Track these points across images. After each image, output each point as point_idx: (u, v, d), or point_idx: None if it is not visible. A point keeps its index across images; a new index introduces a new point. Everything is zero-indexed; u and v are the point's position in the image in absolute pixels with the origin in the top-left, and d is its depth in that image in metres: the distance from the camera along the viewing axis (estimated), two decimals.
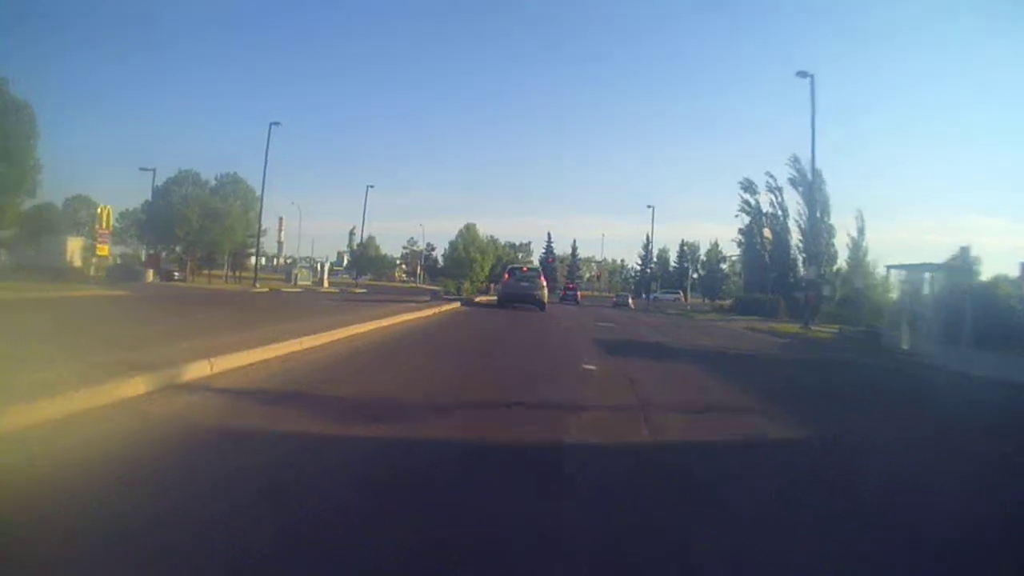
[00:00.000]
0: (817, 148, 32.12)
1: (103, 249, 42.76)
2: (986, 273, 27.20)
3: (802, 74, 31.01)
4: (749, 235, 66.79)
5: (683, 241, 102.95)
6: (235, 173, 59.78)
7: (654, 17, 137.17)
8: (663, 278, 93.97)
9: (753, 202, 65.88)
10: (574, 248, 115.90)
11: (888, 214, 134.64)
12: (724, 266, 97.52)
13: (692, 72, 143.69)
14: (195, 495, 3.56)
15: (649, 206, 70.75)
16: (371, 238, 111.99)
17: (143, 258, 56.28)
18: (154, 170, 52.14)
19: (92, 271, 44.91)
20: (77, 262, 47.12)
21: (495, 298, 36.77)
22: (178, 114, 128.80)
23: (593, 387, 8.46)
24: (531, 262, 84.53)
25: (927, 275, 22.13)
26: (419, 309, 21.21)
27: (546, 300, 31.78)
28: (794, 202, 61.57)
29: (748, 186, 66.14)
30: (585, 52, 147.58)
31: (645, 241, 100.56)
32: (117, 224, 54.94)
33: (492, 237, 74.59)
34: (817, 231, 58.53)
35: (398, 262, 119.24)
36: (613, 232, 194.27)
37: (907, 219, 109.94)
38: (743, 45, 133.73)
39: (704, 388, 9.38)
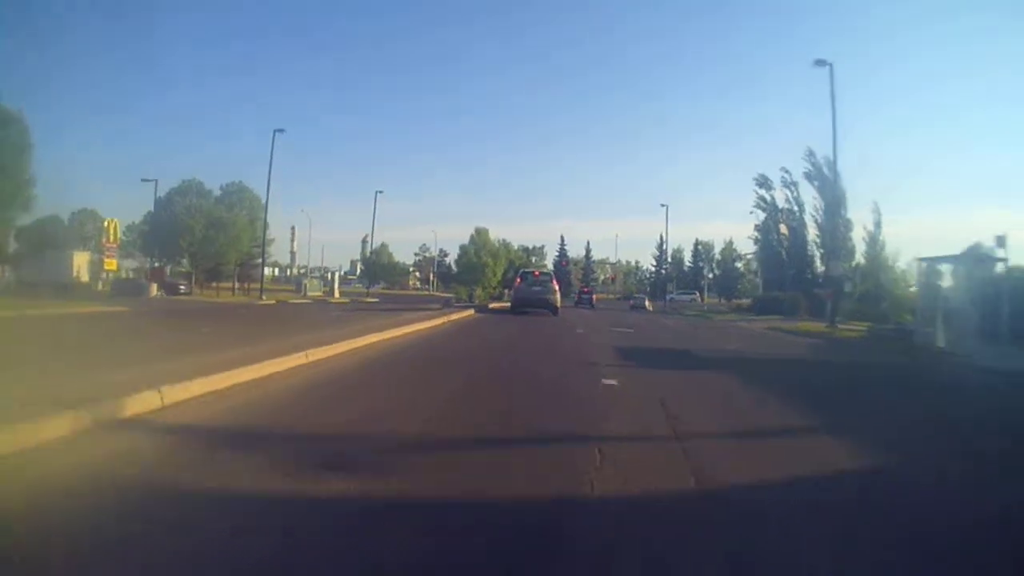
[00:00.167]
0: (831, 142, 30.95)
1: (111, 263, 42.26)
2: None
3: (820, 63, 29.77)
4: (765, 232, 65.43)
5: (697, 240, 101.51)
6: (240, 182, 58.87)
7: (665, 16, 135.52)
8: (678, 278, 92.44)
9: (768, 198, 64.59)
10: (588, 250, 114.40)
11: (902, 208, 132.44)
12: (739, 265, 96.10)
13: (702, 71, 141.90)
14: None
15: (663, 205, 69.11)
16: (383, 246, 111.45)
17: (159, 272, 55.41)
18: (156, 181, 51.13)
19: (100, 286, 44.27)
20: (84, 277, 46.45)
21: (509, 304, 35.98)
22: (186, 127, 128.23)
23: (616, 409, 7.15)
24: (544, 266, 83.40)
25: (958, 267, 20.66)
26: (426, 319, 20.10)
27: (559, 304, 31.23)
28: (810, 197, 60.20)
29: (763, 182, 64.90)
30: (596, 54, 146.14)
31: (659, 241, 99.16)
32: (124, 237, 54.05)
33: (504, 241, 73.20)
34: (834, 225, 57.27)
35: (411, 269, 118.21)
36: (627, 233, 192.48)
37: (921, 213, 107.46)
38: (753, 43, 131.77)
39: (745, 404, 8.08)
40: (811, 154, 58.51)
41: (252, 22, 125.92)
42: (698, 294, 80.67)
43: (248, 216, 56.30)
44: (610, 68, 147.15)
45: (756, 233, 66.39)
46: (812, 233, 60.72)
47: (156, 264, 53.61)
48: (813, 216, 59.84)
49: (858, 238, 55.67)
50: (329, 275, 78.98)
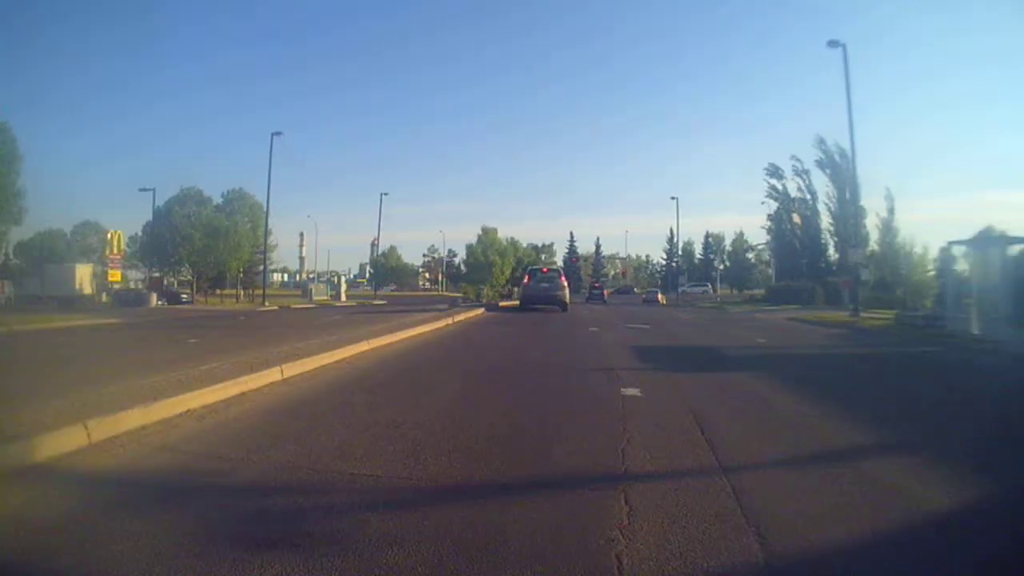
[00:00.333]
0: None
1: (115, 275, 41.59)
2: None
3: (833, 43, 28.35)
4: (778, 221, 64.25)
5: (707, 232, 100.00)
6: (241, 189, 57.81)
7: (668, 11, 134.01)
8: (689, 271, 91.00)
9: (780, 187, 63.47)
10: (597, 246, 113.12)
11: (916, 194, 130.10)
12: (751, 256, 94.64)
13: (709, 65, 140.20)
14: None
15: (673, 197, 67.52)
16: (392, 248, 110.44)
17: (158, 282, 54.61)
18: (154, 189, 50.37)
19: (104, 298, 43.58)
20: (87, 289, 45.97)
21: (518, 302, 35.57)
22: (191, 137, 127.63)
23: (642, 430, 5.85)
24: (554, 263, 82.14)
25: (989, 250, 19.31)
26: (427, 322, 18.96)
27: (568, 300, 30.77)
28: (822, 185, 58.99)
29: (774, 171, 63.71)
30: (600, 51, 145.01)
31: (669, 234, 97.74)
32: (128, 248, 53.29)
33: (512, 239, 71.74)
34: (848, 213, 56.03)
35: (420, 271, 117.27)
36: (636, 228, 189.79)
37: (935, 198, 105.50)
38: (759, 36, 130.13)
39: (792, 415, 6.77)
40: (822, 141, 57.52)
41: (255, 30, 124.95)
42: (710, 286, 79.30)
43: (250, 223, 55.27)
44: (615, 66, 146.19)
45: (769, 222, 65.35)
46: (825, 221, 59.64)
47: (156, 274, 52.76)
48: (826, 204, 58.73)
49: (872, 225, 54.22)
50: (336, 279, 77.69)
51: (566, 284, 31.15)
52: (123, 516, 3.59)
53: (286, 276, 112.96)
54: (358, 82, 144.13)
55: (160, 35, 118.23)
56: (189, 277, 54.51)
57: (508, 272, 63.21)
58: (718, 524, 3.53)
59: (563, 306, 29.79)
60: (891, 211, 53.32)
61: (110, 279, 41.19)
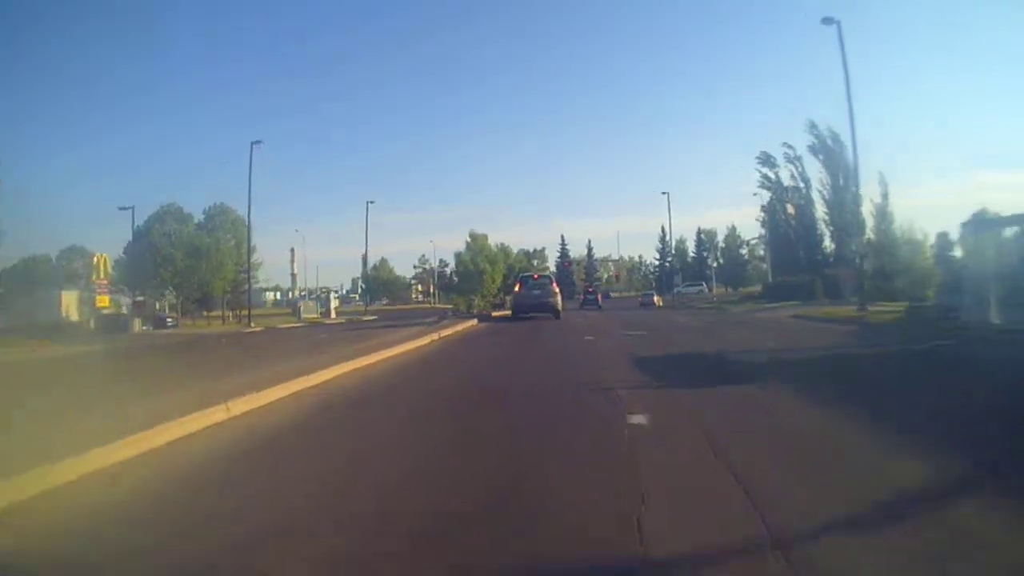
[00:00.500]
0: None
1: (103, 300, 40.30)
2: None
3: (827, 20, 27.26)
4: (771, 212, 63.26)
5: (700, 229, 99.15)
6: (223, 204, 56.37)
7: (650, 7, 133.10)
8: (683, 270, 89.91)
9: (773, 176, 62.26)
10: (589, 249, 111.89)
11: (901, 179, 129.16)
12: (744, 251, 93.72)
13: (692, 60, 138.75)
14: None
15: (664, 193, 66.13)
16: (384, 260, 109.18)
17: (141, 306, 53.25)
18: (133, 208, 48.91)
19: (92, 324, 42.47)
20: (75, 316, 44.88)
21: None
22: (173, 154, 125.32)
23: (658, 479, 4.59)
24: (546, 268, 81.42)
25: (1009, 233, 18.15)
26: (417, 337, 17.78)
27: (560, 307, 30.42)
28: (815, 171, 57.64)
29: (766, 159, 62.41)
30: (585, 52, 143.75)
31: (661, 233, 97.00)
32: (113, 272, 52.00)
33: (503, 245, 70.39)
34: (843, 200, 54.91)
35: (413, 283, 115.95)
36: (628, 228, 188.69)
37: (920, 182, 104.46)
38: (742, 30, 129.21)
39: (841, 446, 5.49)
40: (814, 126, 56.06)
41: (235, 45, 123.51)
42: (705, 285, 78.11)
43: (234, 240, 53.90)
44: (599, 64, 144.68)
45: (762, 214, 64.39)
46: (820, 211, 58.47)
47: (139, 297, 51.29)
48: (820, 192, 57.46)
49: (866, 212, 52.74)
50: (324, 296, 76.40)
51: (558, 290, 30.76)
52: None
53: (278, 295, 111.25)
54: (340, 94, 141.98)
55: (137, 53, 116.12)
56: (174, 300, 53.10)
57: (499, 280, 61.89)
58: None
59: (555, 313, 29.23)
60: (885, 196, 51.76)
61: (98, 304, 40.12)
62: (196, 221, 54.52)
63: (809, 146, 57.12)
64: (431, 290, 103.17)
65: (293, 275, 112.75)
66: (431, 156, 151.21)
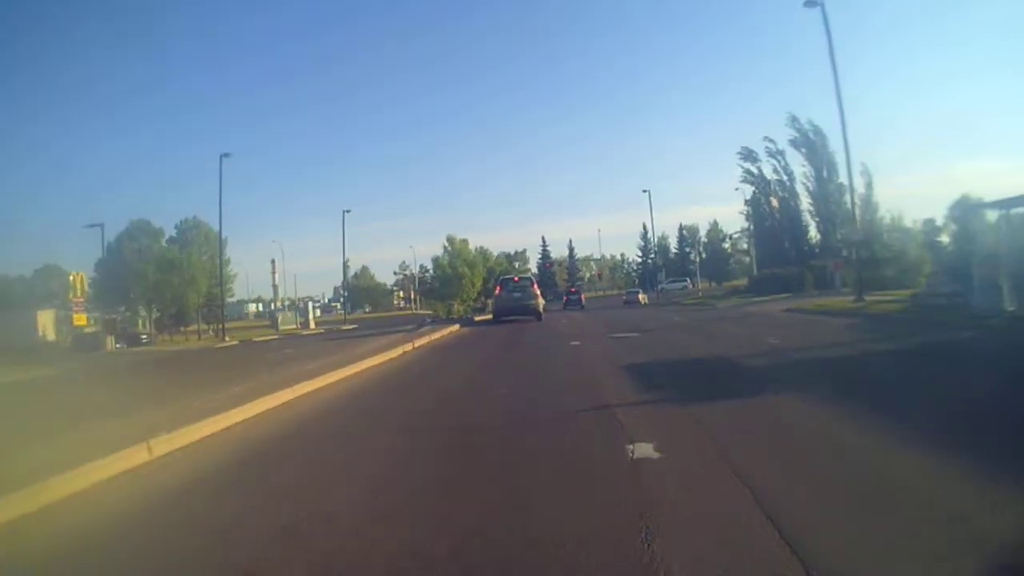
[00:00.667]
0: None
1: (80, 318, 38.89)
2: None
3: (810, 3, 26.24)
4: (755, 206, 62.93)
5: (681, 225, 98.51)
6: (195, 218, 55.06)
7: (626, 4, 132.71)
8: (665, 266, 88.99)
9: (755, 171, 62.28)
10: (571, 249, 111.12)
11: (884, 168, 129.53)
12: (727, 245, 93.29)
13: (674, 56, 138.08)
14: None
15: (645, 190, 66.32)
16: (365, 268, 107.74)
17: (112, 324, 51.74)
18: (103, 224, 47.54)
19: (70, 343, 41.85)
20: (51, 335, 44.13)
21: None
22: (147, 170, 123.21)
23: (682, 548, 3.34)
24: (528, 270, 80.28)
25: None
26: (385, 350, 16.50)
27: (542, 309, 30.00)
28: (798, 164, 57.60)
29: (748, 155, 62.45)
30: (562, 51, 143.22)
31: (643, 231, 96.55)
32: (90, 290, 50.53)
33: (482, 248, 69.18)
34: (828, 191, 54.70)
35: (394, 289, 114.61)
36: (609, 227, 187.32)
37: (899, 172, 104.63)
38: (719, 24, 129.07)
39: (899, 475, 4.35)
40: (795, 120, 56.21)
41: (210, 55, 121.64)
42: (689, 281, 77.47)
43: (208, 254, 52.56)
44: (575, 66, 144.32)
45: (747, 208, 64.13)
46: (805, 202, 58.30)
47: (112, 316, 49.72)
48: (804, 184, 57.27)
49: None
50: (303, 305, 74.80)
51: (539, 292, 30.33)
52: None
53: (260, 306, 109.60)
54: (310, 101, 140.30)
55: (107, 69, 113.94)
56: (146, 316, 51.56)
57: (480, 284, 60.61)
58: None
59: (537, 316, 28.82)
60: (869, 186, 51.66)
61: (75, 323, 39.37)
62: (168, 236, 53.10)
63: (791, 140, 57.52)
64: (412, 296, 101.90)
65: (275, 286, 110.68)
66: (412, 162, 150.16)
